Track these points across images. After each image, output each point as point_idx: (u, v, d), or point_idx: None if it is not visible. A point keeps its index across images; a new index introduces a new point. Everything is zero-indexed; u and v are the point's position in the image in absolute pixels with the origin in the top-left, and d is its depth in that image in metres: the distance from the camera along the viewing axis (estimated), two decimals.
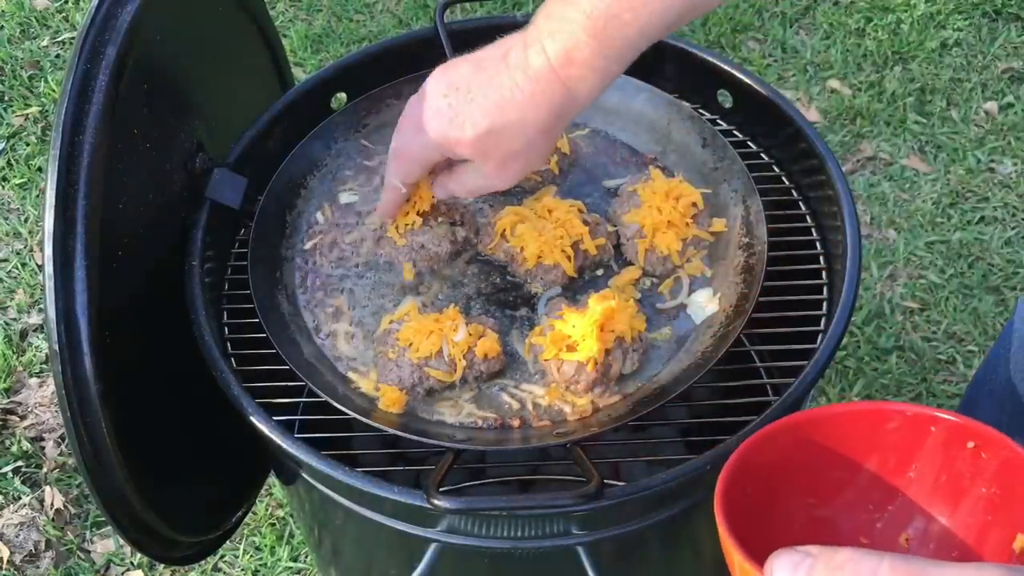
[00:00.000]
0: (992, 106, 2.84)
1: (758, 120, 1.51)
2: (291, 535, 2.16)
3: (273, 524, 2.17)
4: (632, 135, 1.49)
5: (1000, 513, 1.03)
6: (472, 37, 1.54)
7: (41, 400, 2.38)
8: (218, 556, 2.13)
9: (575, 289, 1.34)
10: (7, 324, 2.51)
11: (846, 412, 1.08)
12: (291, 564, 2.12)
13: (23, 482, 2.25)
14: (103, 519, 2.13)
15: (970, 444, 1.04)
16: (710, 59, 1.52)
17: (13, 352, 2.45)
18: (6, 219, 2.74)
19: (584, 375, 1.23)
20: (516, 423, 1.24)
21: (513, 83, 1.06)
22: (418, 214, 1.34)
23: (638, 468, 1.56)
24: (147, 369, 1.28)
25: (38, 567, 2.14)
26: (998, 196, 2.64)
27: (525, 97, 1.06)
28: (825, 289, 1.35)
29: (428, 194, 1.31)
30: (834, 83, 2.90)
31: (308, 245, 1.41)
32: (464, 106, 1.08)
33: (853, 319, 1.87)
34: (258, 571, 2.12)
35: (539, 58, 1.05)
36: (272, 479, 1.80)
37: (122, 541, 1.99)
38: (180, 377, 1.32)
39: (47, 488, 2.23)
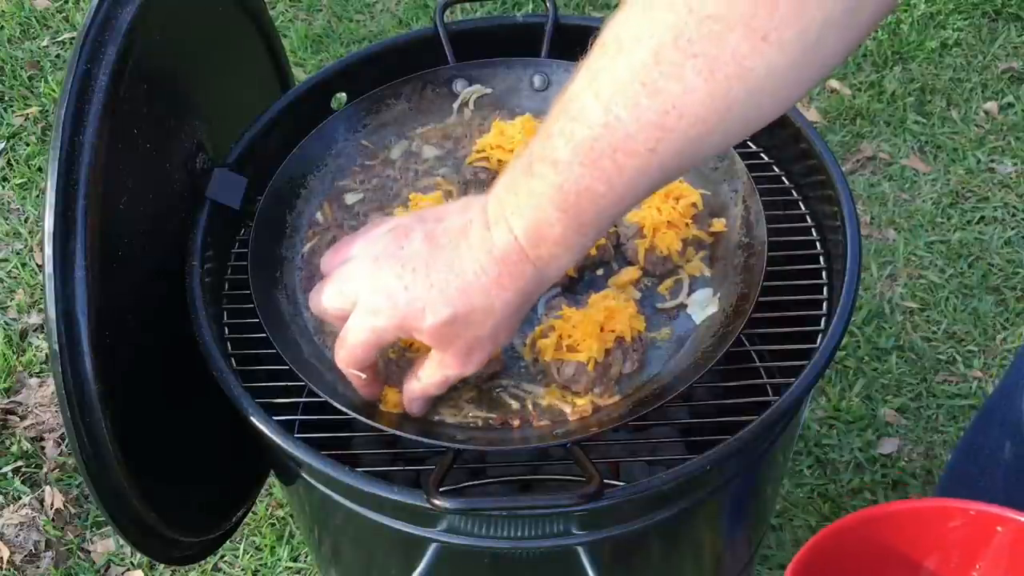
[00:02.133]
0: (992, 106, 2.84)
1: None
2: (291, 535, 2.16)
3: (273, 524, 2.17)
4: None
5: None
6: (472, 37, 1.55)
7: (41, 400, 2.38)
8: (218, 556, 2.13)
9: (575, 289, 1.34)
10: (7, 324, 2.51)
11: (907, 510, 1.07)
12: (291, 564, 2.12)
13: (23, 482, 2.25)
14: (103, 519, 2.13)
15: None
16: None
17: (13, 352, 2.45)
18: (6, 219, 2.74)
19: (584, 375, 1.23)
20: (516, 423, 1.24)
21: (477, 266, 0.95)
22: None
23: (638, 468, 1.56)
24: (147, 369, 1.28)
25: (38, 567, 2.14)
26: (998, 196, 2.65)
27: (491, 281, 0.95)
28: (825, 289, 1.35)
29: None
30: (834, 83, 2.90)
31: (308, 245, 1.41)
32: (422, 291, 0.97)
33: (853, 319, 1.87)
34: (258, 571, 2.12)
35: (505, 237, 0.93)
36: (272, 479, 1.80)
37: (122, 541, 1.99)
38: (180, 377, 1.32)
39: (47, 488, 2.23)
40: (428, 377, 1.10)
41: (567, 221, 0.90)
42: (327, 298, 1.08)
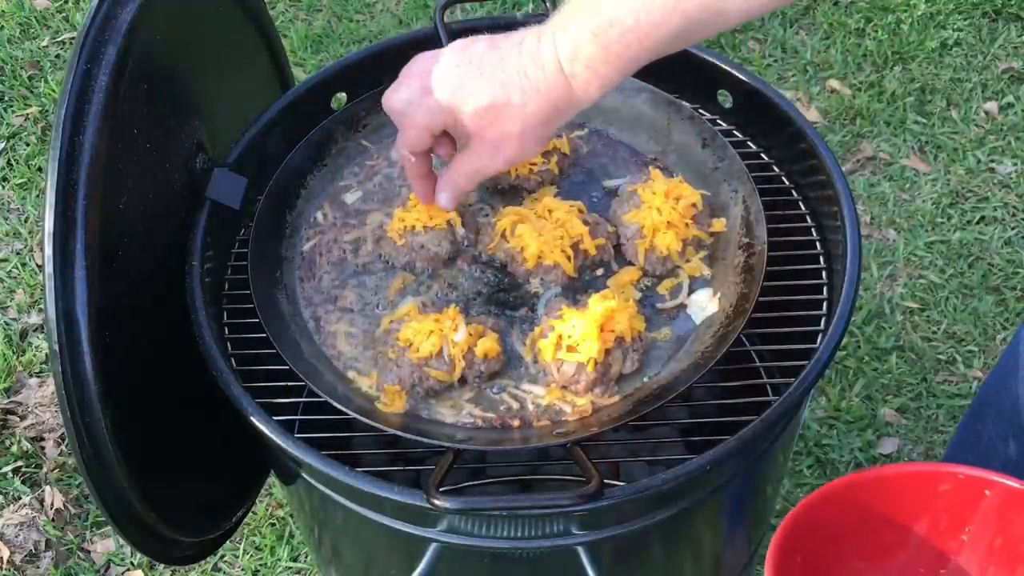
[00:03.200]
0: (992, 106, 2.84)
1: (758, 120, 1.51)
2: (291, 535, 2.16)
3: (273, 524, 2.17)
4: (632, 135, 1.49)
5: None
6: None
7: (41, 400, 2.38)
8: (218, 556, 2.13)
9: (575, 289, 1.34)
10: (7, 324, 2.51)
11: (896, 474, 1.07)
12: (291, 564, 2.12)
13: (23, 482, 2.25)
14: (103, 519, 2.13)
15: None
16: (710, 59, 1.52)
17: (13, 352, 2.45)
18: (6, 219, 2.74)
19: (584, 375, 1.23)
20: (516, 423, 1.24)
21: (521, 68, 1.11)
22: (424, 227, 1.35)
23: (638, 468, 1.56)
24: (147, 369, 1.28)
25: (38, 567, 2.14)
26: (998, 196, 2.64)
27: (529, 84, 1.11)
28: (825, 289, 1.35)
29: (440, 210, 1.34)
30: (834, 83, 2.90)
31: (308, 245, 1.41)
32: (472, 79, 1.13)
33: (853, 319, 1.87)
34: (258, 571, 2.12)
35: (549, 50, 1.10)
36: (272, 479, 1.80)
37: (122, 541, 1.99)
38: (180, 377, 1.32)
39: (47, 488, 2.23)
40: (461, 166, 1.22)
41: (598, 48, 1.07)
42: (394, 89, 1.21)
